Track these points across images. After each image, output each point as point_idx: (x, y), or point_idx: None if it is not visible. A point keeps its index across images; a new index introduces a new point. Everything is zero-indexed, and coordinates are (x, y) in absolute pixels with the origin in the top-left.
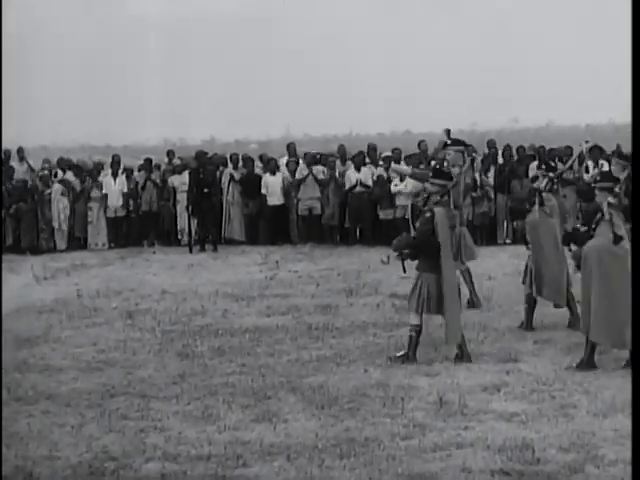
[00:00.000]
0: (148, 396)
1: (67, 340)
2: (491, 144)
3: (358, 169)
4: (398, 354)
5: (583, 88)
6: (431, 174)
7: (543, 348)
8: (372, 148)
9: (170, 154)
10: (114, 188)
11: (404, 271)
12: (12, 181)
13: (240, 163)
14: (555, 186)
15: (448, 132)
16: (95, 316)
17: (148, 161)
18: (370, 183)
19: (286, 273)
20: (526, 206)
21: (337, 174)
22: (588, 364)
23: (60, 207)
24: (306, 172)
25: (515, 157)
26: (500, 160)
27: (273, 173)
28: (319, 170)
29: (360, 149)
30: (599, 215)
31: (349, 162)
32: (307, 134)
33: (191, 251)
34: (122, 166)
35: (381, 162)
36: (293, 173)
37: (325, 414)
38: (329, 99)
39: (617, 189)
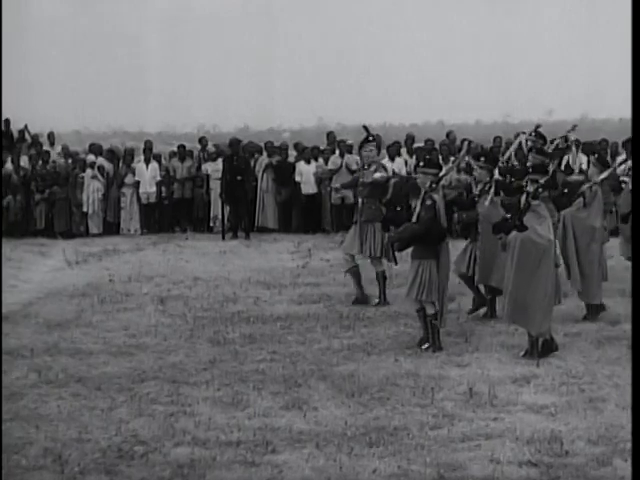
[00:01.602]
0: (178, 381)
1: (98, 324)
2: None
3: (392, 159)
4: (424, 347)
5: (618, 81)
6: (422, 164)
7: (573, 341)
8: (410, 137)
9: (203, 141)
10: (146, 174)
11: (396, 263)
12: (46, 165)
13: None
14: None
15: (366, 128)
16: (126, 301)
17: (182, 147)
18: (404, 173)
19: (318, 261)
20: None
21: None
22: (531, 353)
23: (91, 191)
24: (339, 162)
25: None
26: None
27: (307, 161)
28: (353, 160)
29: (394, 139)
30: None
31: (383, 152)
32: (340, 123)
33: (224, 238)
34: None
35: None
36: (326, 162)
37: (355, 402)
38: (363, 89)
39: (542, 180)
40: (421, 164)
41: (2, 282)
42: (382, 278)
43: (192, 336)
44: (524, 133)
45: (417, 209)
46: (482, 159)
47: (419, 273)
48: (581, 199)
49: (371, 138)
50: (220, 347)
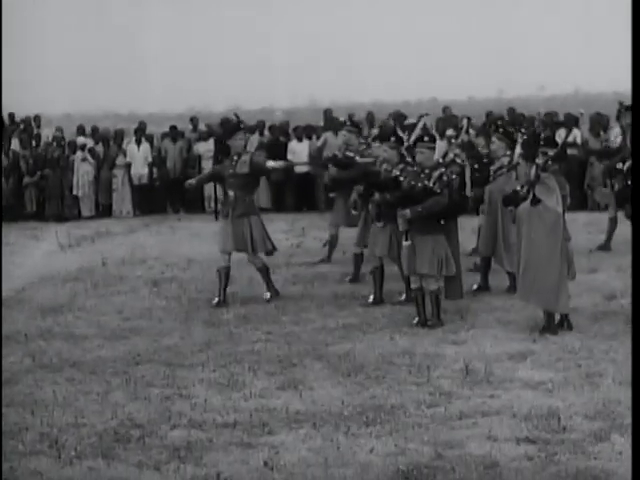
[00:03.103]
0: (174, 364)
1: (92, 308)
2: (512, 112)
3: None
4: (415, 321)
5: (611, 55)
6: (427, 138)
7: (569, 317)
8: (400, 115)
9: (194, 121)
10: (138, 155)
11: (407, 239)
12: (37, 148)
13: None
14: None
15: (236, 115)
16: (120, 284)
17: (173, 128)
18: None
19: (312, 241)
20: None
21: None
22: (548, 329)
23: (81, 174)
24: (333, 140)
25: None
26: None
27: (300, 140)
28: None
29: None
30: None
31: (375, 130)
32: (333, 102)
33: (217, 219)
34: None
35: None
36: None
37: (351, 382)
38: (354, 67)
39: (551, 152)
40: (425, 139)
41: (2, 267)
42: (265, 270)
43: (187, 318)
44: (427, 115)
45: (431, 184)
46: (392, 139)
47: (434, 249)
48: (511, 173)
49: (242, 126)
50: (215, 329)
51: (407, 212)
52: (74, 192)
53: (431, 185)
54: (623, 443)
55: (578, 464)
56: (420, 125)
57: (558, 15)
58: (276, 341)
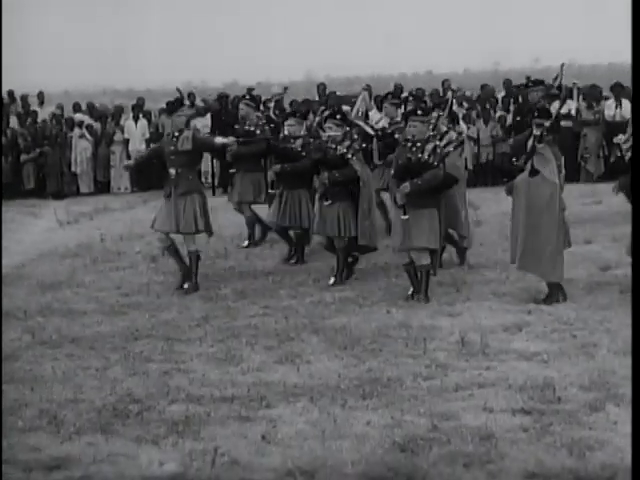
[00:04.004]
0: (172, 339)
1: (91, 284)
2: (508, 84)
3: (380, 110)
4: (410, 293)
5: (606, 27)
6: (420, 112)
7: (564, 288)
8: (398, 88)
9: (191, 97)
10: (136, 132)
11: (404, 213)
12: (35, 125)
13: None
14: None
15: (179, 90)
16: (118, 260)
17: (171, 104)
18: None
19: None
20: None
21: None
22: (551, 298)
23: (79, 151)
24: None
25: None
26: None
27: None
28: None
29: (384, 90)
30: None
31: (372, 102)
32: (329, 75)
33: (214, 194)
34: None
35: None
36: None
37: (347, 355)
38: (350, 41)
39: (547, 124)
40: (419, 112)
41: (2, 244)
42: (195, 257)
43: (184, 293)
44: (366, 89)
45: (426, 157)
46: (338, 117)
47: (431, 222)
48: (461, 148)
49: (187, 102)
50: (212, 303)
51: (407, 185)
52: (72, 169)
53: (426, 157)
54: (618, 413)
55: (573, 434)
56: (359, 100)
57: None
58: (273, 315)
